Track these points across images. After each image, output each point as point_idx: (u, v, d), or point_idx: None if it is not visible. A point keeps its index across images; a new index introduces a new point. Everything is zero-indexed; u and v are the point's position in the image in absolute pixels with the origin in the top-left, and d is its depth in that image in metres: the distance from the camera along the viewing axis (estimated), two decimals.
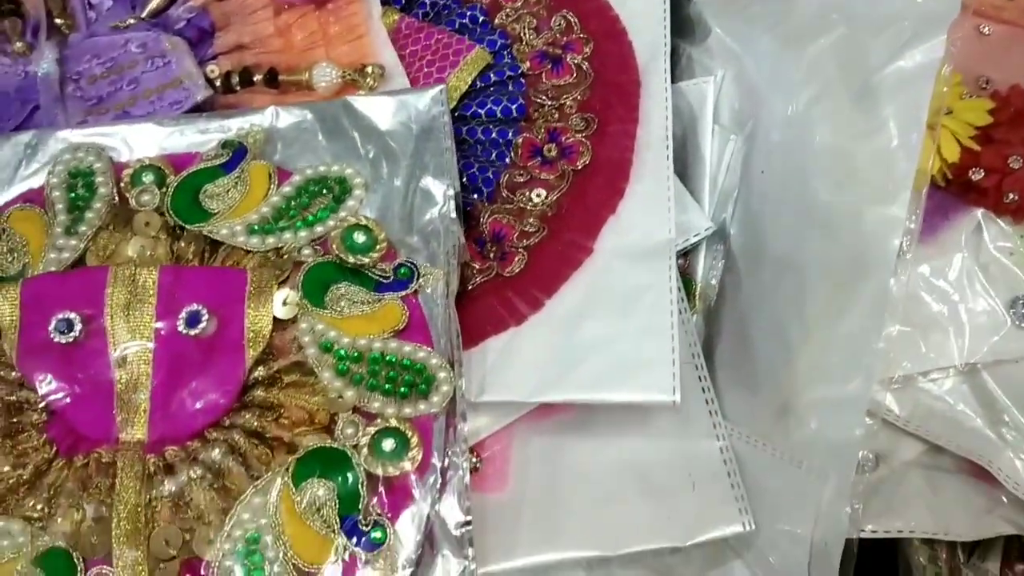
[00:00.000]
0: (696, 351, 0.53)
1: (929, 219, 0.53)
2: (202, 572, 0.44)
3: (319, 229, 0.50)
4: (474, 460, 0.50)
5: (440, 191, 0.51)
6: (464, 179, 0.55)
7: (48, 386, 0.47)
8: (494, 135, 0.56)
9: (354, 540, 0.43)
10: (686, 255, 0.57)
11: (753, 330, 0.53)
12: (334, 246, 0.49)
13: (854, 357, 0.48)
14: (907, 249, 0.49)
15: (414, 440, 0.45)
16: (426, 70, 0.57)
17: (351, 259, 0.48)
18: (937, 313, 0.51)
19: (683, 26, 0.62)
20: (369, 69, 0.55)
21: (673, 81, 0.59)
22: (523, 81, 0.58)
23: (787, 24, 0.55)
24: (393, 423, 0.45)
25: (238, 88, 0.56)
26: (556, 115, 0.56)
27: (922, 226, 0.52)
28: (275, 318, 0.48)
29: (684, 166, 0.58)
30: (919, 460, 0.51)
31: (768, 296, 0.53)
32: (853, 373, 0.48)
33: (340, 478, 0.44)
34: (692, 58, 0.60)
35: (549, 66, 0.58)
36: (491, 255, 0.52)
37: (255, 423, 0.46)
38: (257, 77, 0.56)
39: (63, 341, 0.46)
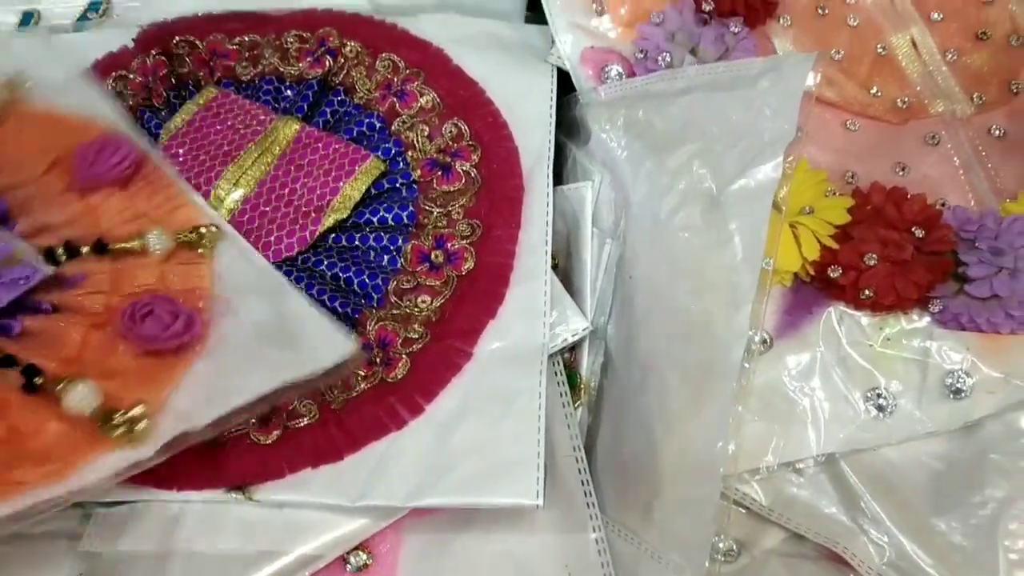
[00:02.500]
0: (577, 444, 0.56)
1: (793, 314, 0.56)
2: None
3: None
4: (363, 556, 0.53)
5: None
6: (355, 285, 0.58)
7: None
8: (385, 242, 0.59)
9: None
10: (572, 349, 0.60)
11: (625, 428, 0.56)
12: None
13: (704, 460, 0.51)
14: (756, 352, 0.52)
15: None
16: (323, 179, 0.61)
17: None
18: (796, 405, 0.54)
19: (571, 126, 0.66)
20: (203, 230, 0.57)
21: (560, 180, 0.63)
22: (415, 188, 0.61)
23: (655, 132, 0.59)
24: None
25: (63, 260, 0.54)
26: (444, 222, 0.60)
27: (785, 321, 0.56)
28: None
29: (568, 266, 0.61)
30: (780, 548, 0.54)
31: (637, 396, 0.56)
32: (703, 476, 0.51)
33: None
34: (576, 160, 0.64)
35: (439, 173, 0.61)
36: (377, 360, 0.55)
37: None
38: (85, 248, 0.55)
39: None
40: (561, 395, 0.57)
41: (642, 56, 0.63)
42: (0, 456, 0.46)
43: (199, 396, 0.49)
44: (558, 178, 0.63)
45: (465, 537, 0.54)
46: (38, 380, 0.48)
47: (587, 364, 0.60)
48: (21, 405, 0.48)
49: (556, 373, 0.57)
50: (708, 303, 0.53)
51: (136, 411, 0.48)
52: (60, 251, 0.54)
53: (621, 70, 0.63)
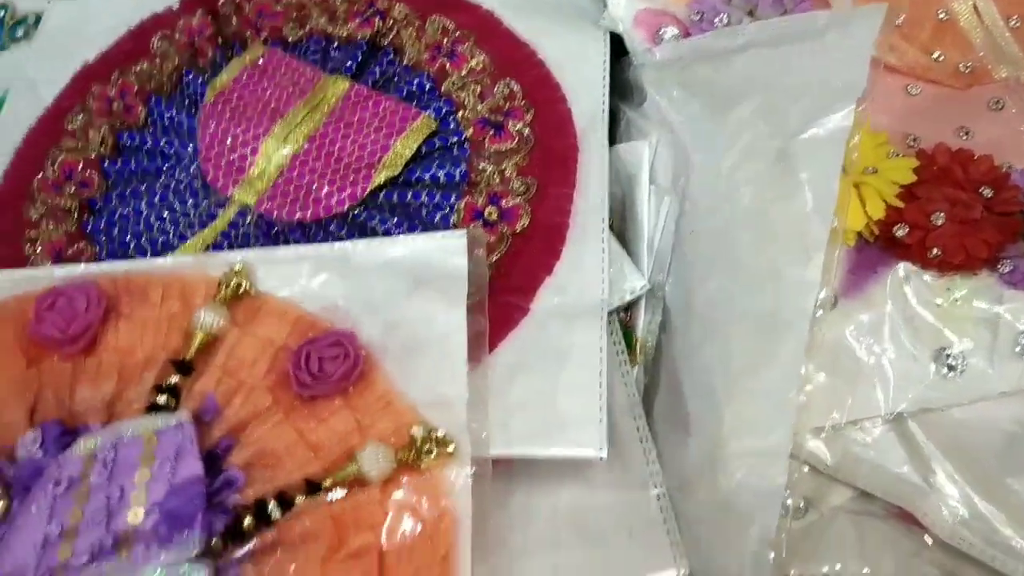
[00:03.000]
0: (635, 402, 0.55)
1: (857, 273, 0.55)
2: None
3: None
4: None
5: None
6: None
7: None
8: (437, 199, 0.58)
9: None
10: (628, 309, 0.59)
11: (685, 384, 0.55)
12: None
13: (774, 410, 0.50)
14: (823, 308, 0.51)
15: None
16: (373, 136, 0.60)
17: None
18: (863, 364, 0.53)
19: (624, 89, 0.65)
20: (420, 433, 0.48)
21: (613, 143, 0.61)
22: (466, 147, 0.60)
23: (714, 90, 0.58)
24: None
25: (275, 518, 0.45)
26: (497, 180, 0.58)
27: (850, 280, 0.54)
28: None
29: (624, 226, 0.60)
30: (847, 506, 0.52)
31: (697, 352, 0.54)
32: (774, 425, 0.50)
33: None
34: (630, 121, 0.62)
35: (492, 132, 0.60)
36: None
37: None
38: (300, 498, 0.46)
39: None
40: (618, 353, 0.56)
41: (698, 18, 0.62)
42: None
43: None
44: (610, 143, 0.62)
45: (524, 494, 0.52)
46: None
47: (643, 324, 0.58)
48: None
49: (612, 332, 0.56)
50: (776, 255, 0.52)
51: None
52: (271, 505, 0.46)
53: (676, 31, 0.62)
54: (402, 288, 0.53)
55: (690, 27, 0.63)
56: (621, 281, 0.57)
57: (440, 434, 0.47)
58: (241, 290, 0.52)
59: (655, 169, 0.59)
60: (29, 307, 0.51)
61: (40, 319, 0.50)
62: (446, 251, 0.53)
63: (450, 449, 0.47)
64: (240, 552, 0.45)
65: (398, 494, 0.46)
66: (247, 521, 0.45)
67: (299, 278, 0.53)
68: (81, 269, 0.55)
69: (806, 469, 0.52)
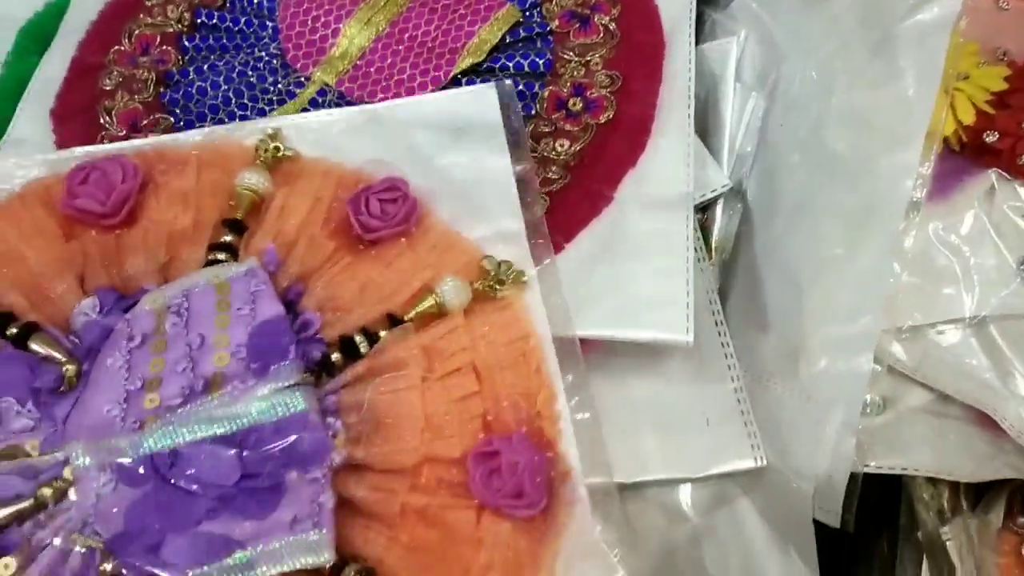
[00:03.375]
0: (713, 297, 0.55)
1: (943, 181, 0.54)
2: None
3: None
4: None
5: None
6: None
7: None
8: (521, 87, 0.58)
9: None
10: (704, 210, 0.58)
11: (766, 276, 0.54)
12: None
13: (864, 296, 0.49)
14: (919, 195, 0.50)
15: None
16: (458, 23, 0.59)
17: None
18: (948, 267, 0.52)
19: None
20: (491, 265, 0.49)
21: (698, 44, 0.60)
22: (551, 38, 0.60)
23: None
24: None
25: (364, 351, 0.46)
26: (582, 71, 0.58)
27: (935, 187, 0.54)
28: None
29: (706, 125, 0.60)
30: (925, 407, 0.52)
31: (782, 243, 0.54)
32: (863, 311, 0.49)
33: None
34: (716, 23, 0.62)
35: (577, 25, 0.60)
36: None
37: None
38: (384, 333, 0.46)
39: None
40: (697, 250, 0.55)
41: None
42: None
43: None
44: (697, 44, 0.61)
45: (600, 382, 0.52)
46: None
47: (721, 225, 0.58)
48: None
49: (688, 236, 0.55)
50: (871, 144, 0.51)
51: None
52: (359, 339, 0.46)
53: None
54: (443, 140, 0.53)
55: None
56: (703, 178, 0.56)
57: (511, 264, 0.48)
58: (280, 153, 0.52)
59: (741, 67, 0.59)
60: (56, 187, 0.50)
61: (74, 194, 0.49)
62: (479, 104, 0.54)
63: (524, 278, 0.48)
64: (333, 383, 0.44)
65: (481, 321, 0.47)
66: (335, 356, 0.45)
67: (331, 138, 0.53)
68: (106, 148, 0.54)
69: (885, 369, 0.52)
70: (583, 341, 0.50)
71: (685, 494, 0.52)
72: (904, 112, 0.50)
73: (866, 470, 0.49)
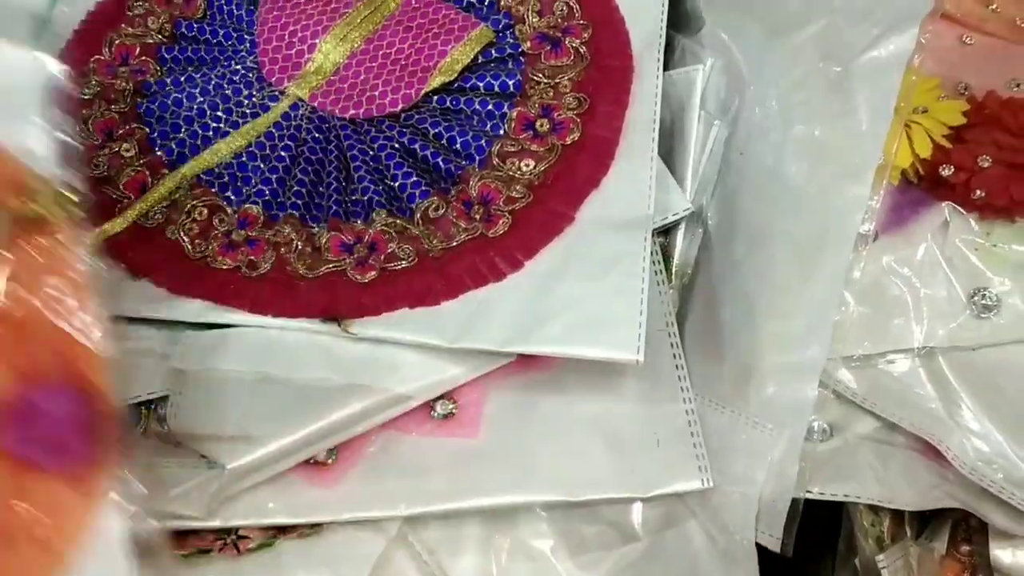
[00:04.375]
0: (670, 320, 0.55)
1: (898, 212, 0.56)
2: None
3: None
4: (449, 406, 0.52)
5: None
6: (457, 145, 0.57)
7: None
8: (490, 107, 0.59)
9: None
10: (666, 234, 0.59)
11: (722, 302, 0.56)
12: None
13: (814, 324, 0.51)
14: (868, 227, 0.52)
15: None
16: (431, 42, 0.60)
17: None
18: (899, 297, 0.53)
19: (680, 20, 0.65)
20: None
21: (667, 69, 0.62)
22: (522, 60, 0.61)
23: (775, 15, 0.58)
24: None
25: None
26: (551, 93, 0.59)
27: (891, 219, 0.55)
28: None
29: (670, 151, 0.60)
30: (871, 435, 0.53)
31: (738, 270, 0.55)
32: (811, 340, 0.51)
33: None
34: (685, 49, 0.63)
35: (548, 47, 0.61)
36: (477, 216, 0.55)
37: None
38: None
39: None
40: (657, 272, 0.56)
41: None
42: None
43: None
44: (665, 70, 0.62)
45: (552, 401, 0.53)
46: None
47: (681, 248, 0.59)
48: None
49: (653, 252, 0.57)
50: (825, 176, 0.53)
51: None
52: None
53: None
54: None
55: None
56: (665, 202, 0.57)
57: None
58: None
59: (706, 95, 0.60)
60: None
61: None
62: None
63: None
64: None
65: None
66: None
67: None
68: None
69: (833, 395, 0.53)
70: (536, 358, 0.51)
71: (637, 513, 0.52)
72: (856, 146, 0.52)
73: (808, 496, 0.50)
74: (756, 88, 0.57)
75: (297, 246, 0.54)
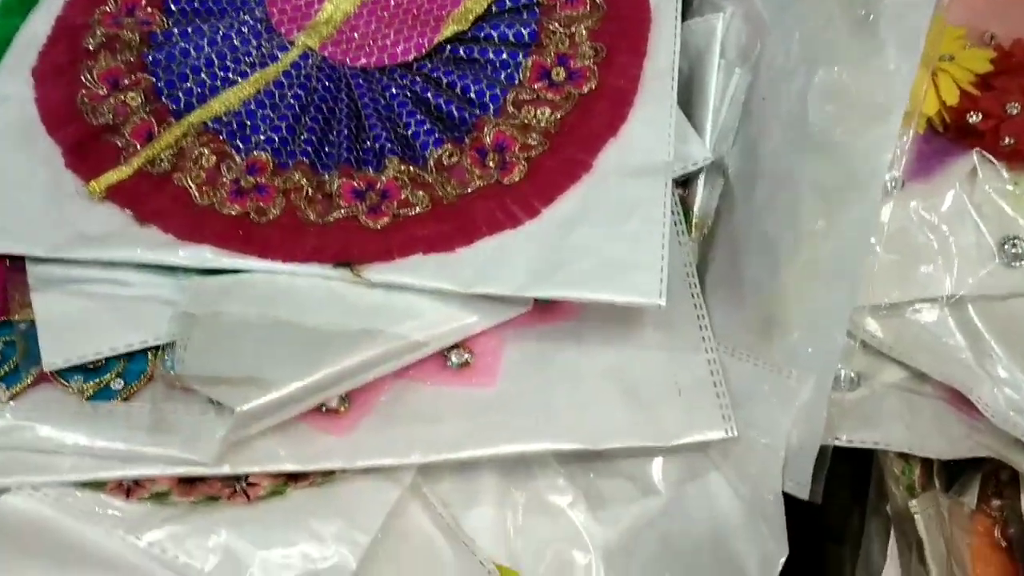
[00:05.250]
0: (691, 270, 0.54)
1: (925, 161, 0.54)
2: None
3: None
4: (465, 355, 0.51)
5: None
6: (471, 94, 0.56)
7: None
8: (505, 56, 0.57)
9: None
10: (685, 185, 0.58)
11: (744, 249, 0.54)
12: None
13: (840, 270, 0.49)
14: (897, 171, 0.50)
15: None
16: None
17: None
18: (927, 245, 0.52)
19: None
20: None
21: (684, 19, 0.60)
22: (537, 10, 0.59)
23: None
24: None
25: None
26: (567, 42, 0.58)
27: (917, 167, 0.53)
28: None
29: (689, 101, 0.59)
30: (900, 383, 0.52)
31: (761, 216, 0.54)
32: (838, 284, 0.49)
33: None
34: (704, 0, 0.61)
35: None
36: (492, 164, 0.53)
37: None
38: None
39: None
40: (676, 223, 0.55)
41: None
42: None
43: None
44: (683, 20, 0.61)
45: (570, 351, 0.52)
46: None
47: (701, 199, 0.58)
48: None
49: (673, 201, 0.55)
50: (851, 118, 0.51)
51: None
52: None
53: None
54: None
55: None
56: (684, 152, 0.56)
57: None
58: None
59: (726, 43, 0.59)
60: None
61: None
62: None
63: None
64: None
65: None
66: None
67: None
68: None
69: (860, 345, 0.51)
70: (554, 307, 0.50)
71: (657, 467, 0.51)
72: (884, 87, 0.50)
73: (837, 443, 0.49)
74: (778, 33, 0.56)
75: (307, 192, 0.53)
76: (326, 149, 0.55)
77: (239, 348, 0.48)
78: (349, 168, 0.53)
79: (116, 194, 0.53)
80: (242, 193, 0.53)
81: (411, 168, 0.53)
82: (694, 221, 0.57)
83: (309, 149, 0.54)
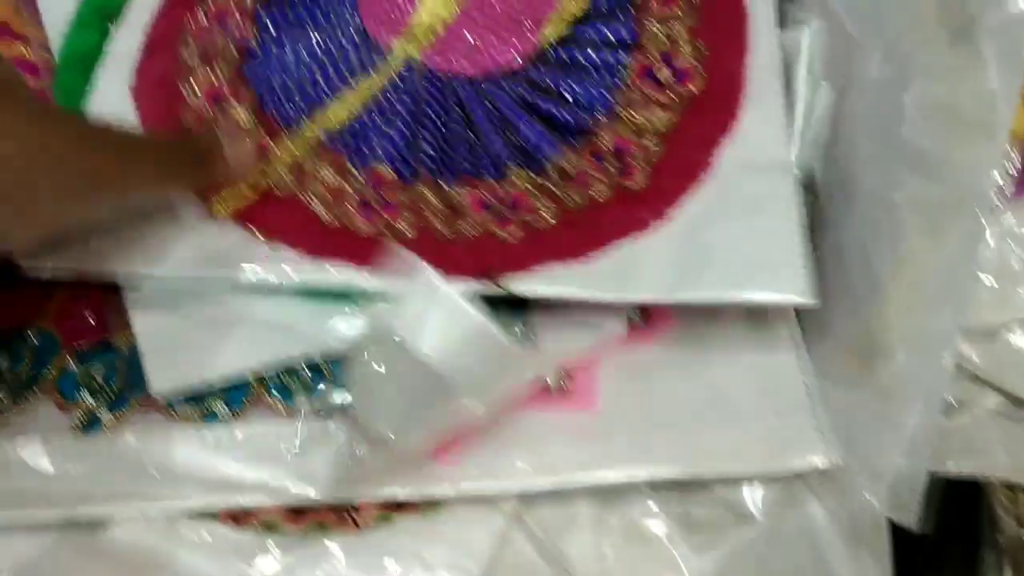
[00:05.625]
0: None
1: (1021, 180, 0.53)
2: None
3: None
4: (564, 379, 0.51)
5: None
6: (579, 98, 0.56)
7: None
8: (607, 57, 0.57)
9: None
10: None
11: (841, 269, 0.53)
12: None
13: (945, 291, 0.48)
14: (1002, 191, 0.50)
15: None
16: None
17: None
18: None
19: None
20: None
21: None
22: (631, 9, 0.60)
23: None
24: None
25: None
26: (667, 42, 0.58)
27: (1019, 186, 0.53)
28: None
29: None
30: (999, 409, 0.51)
31: (858, 235, 0.53)
32: (943, 307, 0.48)
33: None
34: (785, 12, 0.61)
35: None
36: (612, 168, 0.54)
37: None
38: None
39: None
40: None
41: None
42: None
43: None
44: None
45: (666, 374, 0.52)
46: None
47: None
48: None
49: None
50: (953, 136, 0.50)
51: None
52: None
53: None
54: None
55: None
56: None
57: None
58: None
59: (812, 57, 0.58)
60: None
61: None
62: None
63: None
64: None
65: None
66: None
67: None
68: None
69: (956, 370, 0.51)
70: (650, 327, 0.51)
71: (753, 493, 0.50)
72: (986, 104, 0.49)
73: (942, 472, 0.48)
74: (868, 47, 0.55)
75: (436, 207, 0.52)
76: (445, 160, 0.55)
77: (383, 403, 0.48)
78: (472, 179, 0.54)
79: (242, 215, 0.53)
80: (369, 209, 0.53)
81: (534, 176, 0.54)
82: None
83: (430, 162, 0.54)
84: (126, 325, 0.51)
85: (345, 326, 0.50)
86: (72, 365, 0.51)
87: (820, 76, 0.59)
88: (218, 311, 0.51)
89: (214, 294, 0.51)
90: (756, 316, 0.53)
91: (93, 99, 0.58)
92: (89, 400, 0.50)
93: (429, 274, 0.47)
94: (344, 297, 0.51)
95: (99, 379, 0.50)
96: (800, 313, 0.54)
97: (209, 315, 0.51)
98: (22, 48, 0.61)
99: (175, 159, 0.49)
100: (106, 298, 0.52)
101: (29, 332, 0.51)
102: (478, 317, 0.46)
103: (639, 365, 0.52)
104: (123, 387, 0.50)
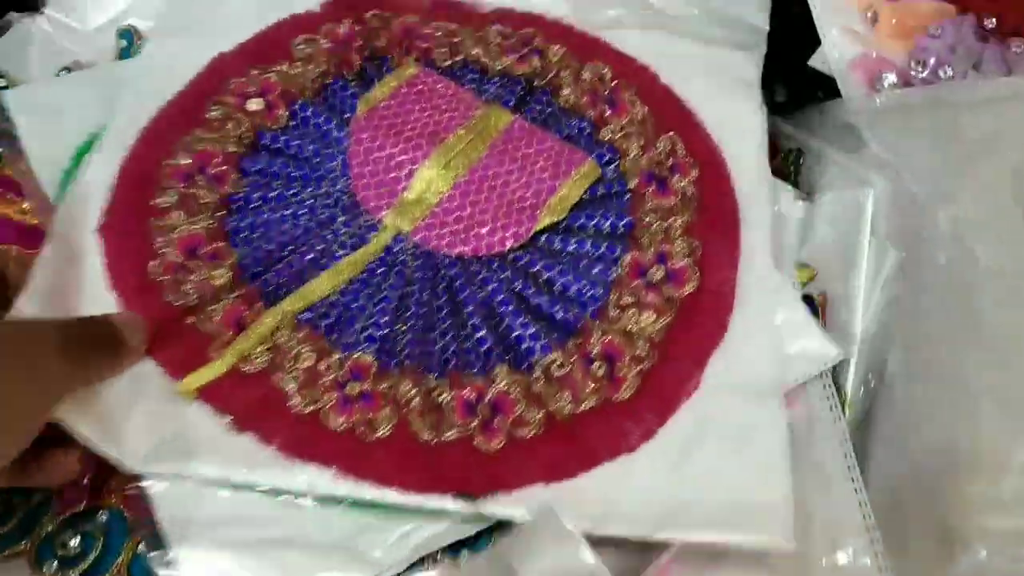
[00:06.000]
0: (851, 463, 0.52)
1: None
2: None
3: None
4: None
5: None
6: (571, 292, 0.55)
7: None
8: (602, 250, 0.56)
9: None
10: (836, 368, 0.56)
11: (913, 449, 0.52)
12: None
13: None
14: None
15: None
16: (539, 176, 0.58)
17: None
18: None
19: (832, 133, 0.63)
20: None
21: (816, 188, 0.61)
22: (627, 199, 0.59)
23: (956, 142, 0.56)
24: None
25: None
26: (662, 237, 0.57)
27: None
28: None
29: (838, 278, 0.59)
30: None
31: (932, 415, 0.51)
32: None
33: None
34: (840, 164, 0.61)
35: (654, 186, 0.59)
36: (601, 373, 0.52)
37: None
38: None
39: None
40: (831, 409, 0.54)
41: (919, 67, 0.62)
42: None
43: None
44: (811, 188, 0.62)
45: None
46: None
47: (852, 383, 0.56)
48: None
49: (824, 387, 0.54)
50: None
51: None
52: None
53: (895, 79, 0.62)
54: None
55: (910, 76, 0.62)
56: (809, 352, 0.54)
57: None
58: None
59: (876, 219, 0.58)
60: None
61: None
62: None
63: None
64: None
65: None
66: None
67: None
68: None
69: None
70: None
71: None
72: None
73: None
74: (935, 217, 0.54)
75: (417, 404, 0.50)
76: (429, 349, 0.53)
77: None
78: (458, 374, 0.51)
79: (210, 392, 0.50)
80: (348, 402, 0.50)
81: (521, 378, 0.51)
82: (847, 403, 0.56)
83: (413, 349, 0.52)
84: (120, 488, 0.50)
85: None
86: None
87: (887, 240, 0.58)
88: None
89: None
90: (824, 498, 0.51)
91: (55, 221, 0.55)
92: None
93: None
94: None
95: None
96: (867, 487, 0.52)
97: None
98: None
99: (75, 347, 0.47)
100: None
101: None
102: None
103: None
104: (101, 556, 0.49)
